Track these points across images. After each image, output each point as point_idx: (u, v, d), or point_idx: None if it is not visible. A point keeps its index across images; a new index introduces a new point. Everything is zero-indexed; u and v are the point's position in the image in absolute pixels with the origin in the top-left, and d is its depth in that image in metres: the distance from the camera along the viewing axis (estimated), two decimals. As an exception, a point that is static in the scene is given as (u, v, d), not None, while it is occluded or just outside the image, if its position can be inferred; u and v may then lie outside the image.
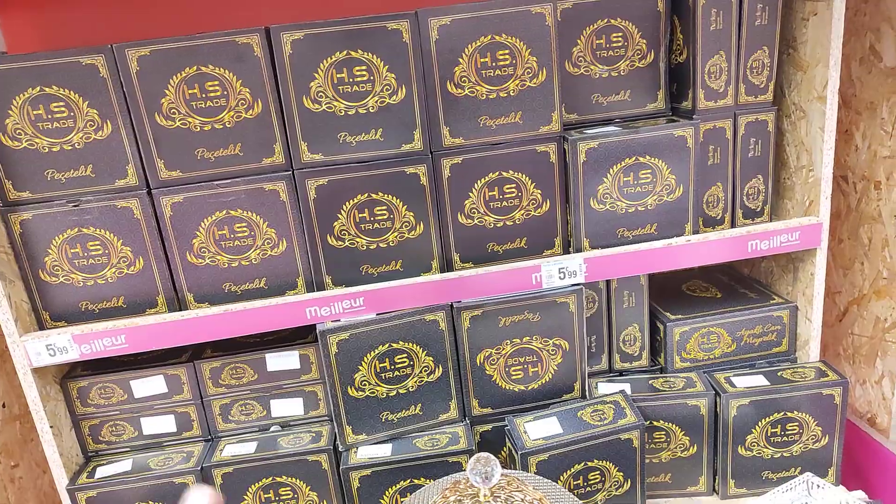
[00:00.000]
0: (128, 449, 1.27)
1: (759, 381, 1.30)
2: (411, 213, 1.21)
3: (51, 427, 1.17)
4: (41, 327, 1.18)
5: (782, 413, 1.28)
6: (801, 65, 1.28)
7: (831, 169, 1.28)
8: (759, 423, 1.28)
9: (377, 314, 1.20)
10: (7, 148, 1.09)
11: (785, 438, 1.30)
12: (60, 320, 1.18)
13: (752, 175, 1.33)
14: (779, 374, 1.32)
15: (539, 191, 1.23)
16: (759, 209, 1.35)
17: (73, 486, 1.18)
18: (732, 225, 1.34)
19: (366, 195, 1.18)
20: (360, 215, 1.19)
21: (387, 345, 1.21)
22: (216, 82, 1.10)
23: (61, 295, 1.16)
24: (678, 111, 1.32)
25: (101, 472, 1.21)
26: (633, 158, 1.22)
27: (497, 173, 1.21)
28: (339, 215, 1.19)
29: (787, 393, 1.27)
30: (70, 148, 1.10)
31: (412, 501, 0.93)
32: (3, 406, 1.35)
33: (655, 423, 1.30)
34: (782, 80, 1.34)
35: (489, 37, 1.13)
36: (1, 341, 1.37)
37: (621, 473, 1.22)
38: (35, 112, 1.08)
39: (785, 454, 1.31)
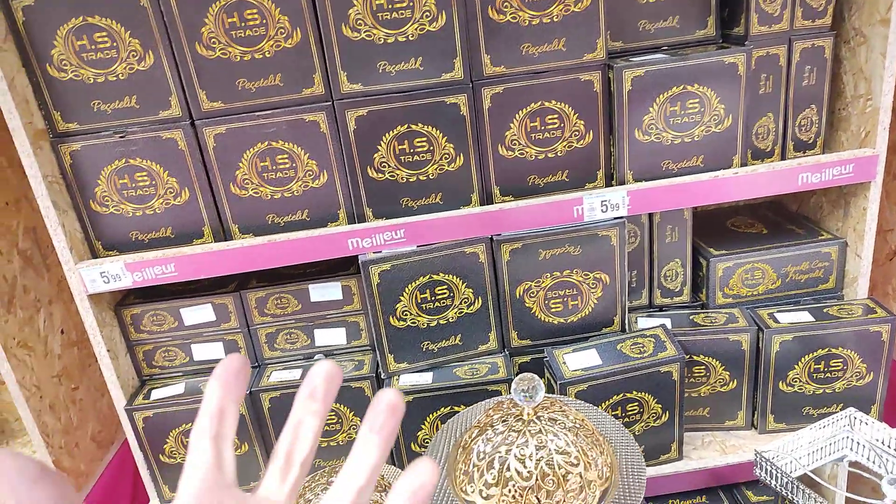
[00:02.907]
0: (180, 373, 1.32)
1: (804, 317, 1.28)
2: (451, 145, 1.19)
3: (108, 351, 1.22)
4: (94, 256, 1.22)
5: (826, 349, 1.26)
6: (865, -15, 1.21)
7: (891, 98, 1.21)
8: (802, 360, 1.27)
9: (417, 246, 1.21)
10: (54, 79, 1.11)
11: (828, 375, 1.29)
12: (112, 249, 1.22)
13: (805, 105, 1.28)
14: (824, 310, 1.30)
15: (582, 122, 1.20)
16: (811, 141, 1.30)
17: (130, 407, 1.24)
18: (782, 157, 1.30)
19: (405, 126, 1.17)
20: (400, 147, 1.19)
21: (427, 276, 1.22)
22: (255, 10, 1.09)
23: (112, 225, 1.20)
24: (729, 38, 1.26)
25: (156, 394, 1.26)
26: (681, 87, 1.18)
27: (539, 103, 1.18)
28: (379, 147, 1.18)
29: (833, 329, 1.25)
30: (114, 79, 1.12)
31: (456, 421, 0.96)
32: (63, 332, 1.42)
33: (695, 358, 1.30)
34: (842, 3, 1.26)
35: (533, -42, 1.09)
36: (55, 273, 1.43)
37: (660, 405, 1.23)
38: (79, 42, 1.09)
39: (827, 390, 1.30)
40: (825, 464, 1.21)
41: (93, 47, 1.09)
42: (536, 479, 0.77)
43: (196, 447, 0.39)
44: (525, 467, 0.77)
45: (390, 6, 1.10)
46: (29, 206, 1.39)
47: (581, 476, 0.78)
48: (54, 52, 1.09)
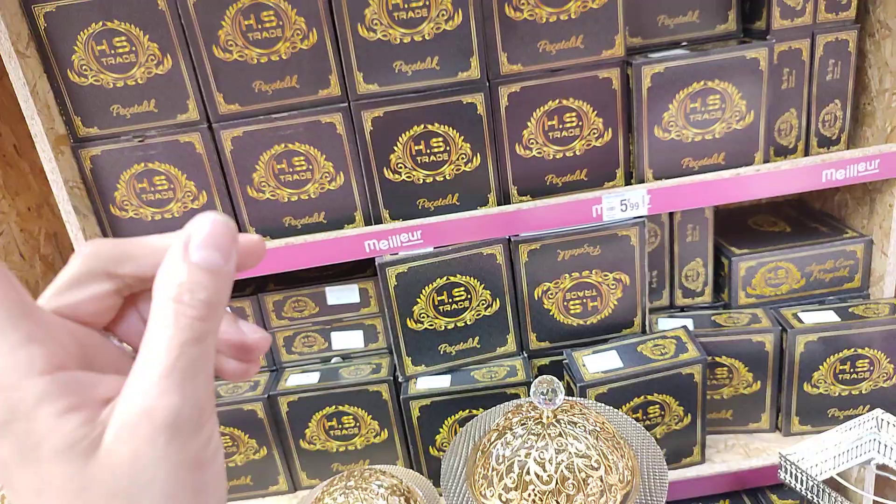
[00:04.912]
0: (199, 376, 1.33)
1: (829, 316, 1.25)
2: (468, 145, 1.19)
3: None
4: (114, 260, 1.22)
5: (853, 350, 1.23)
6: (891, -24, 1.18)
7: (919, 91, 1.19)
8: (828, 360, 1.25)
9: (434, 248, 1.20)
10: (75, 85, 1.12)
11: (854, 376, 1.26)
12: (131, 253, 1.22)
13: (829, 100, 1.25)
14: (850, 309, 1.27)
15: (600, 119, 1.19)
16: (835, 137, 1.27)
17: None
18: (806, 153, 1.27)
19: (422, 126, 1.17)
20: (417, 147, 1.18)
21: (445, 278, 1.21)
22: (271, 12, 1.09)
23: (131, 229, 1.21)
24: (750, 32, 1.24)
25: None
26: (702, 83, 1.16)
27: (557, 101, 1.17)
28: (396, 148, 1.18)
29: (859, 329, 1.22)
30: (133, 83, 1.12)
31: (474, 424, 0.95)
32: (83, 336, 1.43)
33: (718, 359, 1.27)
34: (868, -4, 1.24)
35: (549, -45, 1.08)
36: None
37: (682, 408, 1.21)
38: (99, 48, 1.10)
39: (853, 392, 1.27)
40: (852, 467, 1.18)
41: (112, 52, 1.10)
42: (556, 483, 0.76)
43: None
44: (545, 471, 0.76)
45: (406, 5, 1.09)
46: (50, 212, 1.41)
47: (602, 480, 0.77)
48: (75, 57, 1.10)
